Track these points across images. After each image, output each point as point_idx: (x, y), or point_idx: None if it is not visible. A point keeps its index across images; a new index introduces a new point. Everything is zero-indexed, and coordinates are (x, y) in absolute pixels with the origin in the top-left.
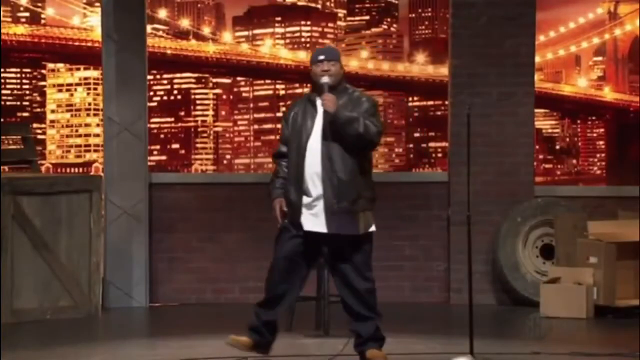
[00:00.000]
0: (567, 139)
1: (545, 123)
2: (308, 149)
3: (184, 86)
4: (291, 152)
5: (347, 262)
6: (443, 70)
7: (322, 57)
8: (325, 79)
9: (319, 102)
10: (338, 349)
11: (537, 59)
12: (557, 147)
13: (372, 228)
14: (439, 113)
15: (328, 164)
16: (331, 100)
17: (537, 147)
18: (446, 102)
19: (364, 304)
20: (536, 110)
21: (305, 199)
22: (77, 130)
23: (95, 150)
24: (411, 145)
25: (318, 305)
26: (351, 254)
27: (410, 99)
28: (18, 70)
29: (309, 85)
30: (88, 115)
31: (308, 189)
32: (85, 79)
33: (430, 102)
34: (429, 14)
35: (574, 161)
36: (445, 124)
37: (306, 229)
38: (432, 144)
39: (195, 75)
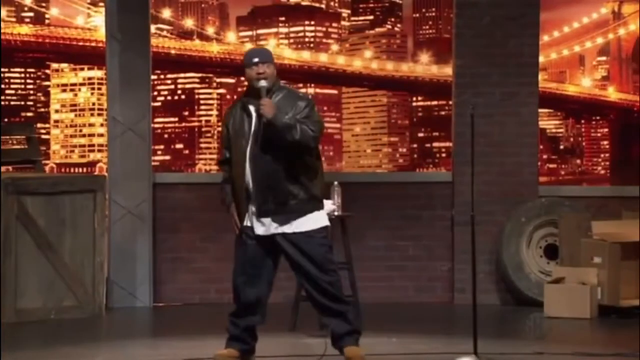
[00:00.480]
0: (571, 139)
1: (549, 123)
2: (248, 155)
3: (187, 86)
4: (234, 157)
5: (305, 259)
6: (447, 70)
7: (256, 60)
8: (262, 83)
9: (252, 107)
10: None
11: (541, 58)
12: (561, 147)
13: (322, 223)
14: (442, 113)
15: (265, 168)
16: (269, 105)
17: (541, 147)
18: (450, 102)
19: (330, 297)
20: (540, 110)
21: (252, 205)
22: (81, 130)
23: (99, 150)
24: (415, 145)
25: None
26: (307, 251)
27: (414, 99)
28: (22, 70)
29: (313, 84)
30: (92, 115)
31: (253, 195)
32: (89, 78)
33: (434, 102)
34: (433, 14)
35: (578, 161)
36: (449, 123)
37: (257, 234)
38: (435, 144)
39: (199, 75)
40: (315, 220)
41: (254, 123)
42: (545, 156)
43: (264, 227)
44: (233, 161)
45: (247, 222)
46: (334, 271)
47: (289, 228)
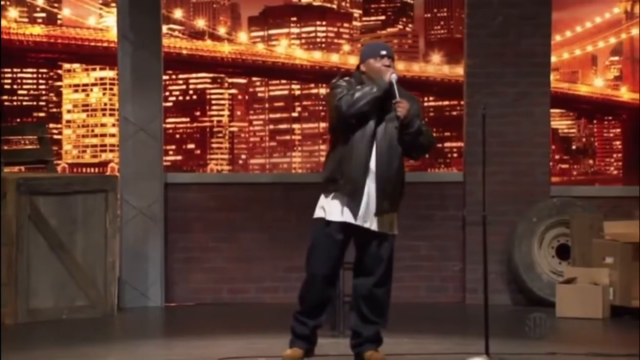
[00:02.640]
0: (584, 139)
1: (561, 123)
2: (374, 149)
3: (199, 86)
4: (355, 133)
5: (374, 260)
6: (459, 70)
7: (384, 53)
8: (394, 76)
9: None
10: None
11: (553, 58)
12: (574, 147)
13: (395, 231)
14: (454, 113)
15: (387, 166)
16: (405, 107)
17: (553, 147)
18: (462, 102)
19: (378, 303)
20: (552, 110)
21: (362, 200)
22: (93, 130)
23: (111, 150)
24: None
25: (334, 305)
26: (381, 253)
27: (425, 99)
28: (34, 70)
29: (324, 85)
30: (104, 115)
31: (370, 190)
32: (101, 79)
33: (446, 102)
34: (445, 14)
35: (590, 161)
36: (460, 124)
37: (345, 220)
38: (447, 144)
39: (211, 75)
40: (394, 225)
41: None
42: (557, 156)
43: (356, 215)
44: (354, 137)
45: (340, 217)
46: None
47: (381, 228)
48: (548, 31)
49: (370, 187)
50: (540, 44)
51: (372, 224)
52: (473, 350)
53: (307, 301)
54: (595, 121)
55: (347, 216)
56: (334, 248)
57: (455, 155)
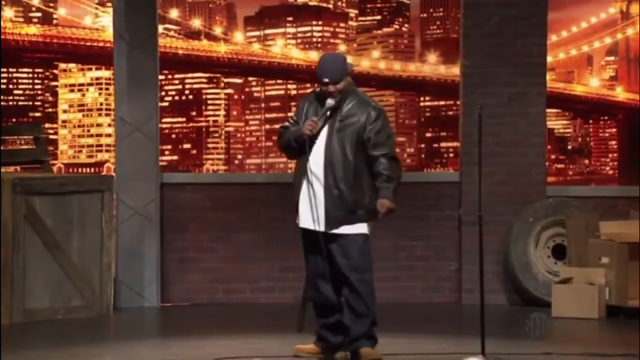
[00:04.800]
0: (579, 139)
1: (557, 123)
2: (312, 151)
3: (195, 86)
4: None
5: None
6: (455, 70)
7: (326, 80)
8: (329, 102)
9: (327, 101)
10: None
11: (549, 58)
12: (569, 147)
13: (355, 230)
14: (450, 113)
15: (330, 171)
16: (386, 206)
17: (549, 147)
18: (458, 102)
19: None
20: (548, 110)
21: (306, 199)
22: (88, 130)
23: (106, 150)
24: (423, 145)
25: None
26: (349, 253)
27: (421, 99)
28: (30, 70)
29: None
30: (100, 115)
31: (319, 199)
32: (97, 79)
33: (442, 102)
34: (441, 14)
35: (586, 161)
36: (456, 124)
37: (301, 225)
38: (443, 144)
39: (207, 75)
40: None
41: (327, 126)
42: (553, 156)
43: (313, 220)
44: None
45: (300, 223)
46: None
47: (336, 229)
48: (544, 31)
49: (318, 193)
50: (536, 44)
51: (322, 227)
52: (469, 350)
53: (312, 300)
54: (591, 121)
55: (303, 222)
56: (310, 249)
57: (451, 155)
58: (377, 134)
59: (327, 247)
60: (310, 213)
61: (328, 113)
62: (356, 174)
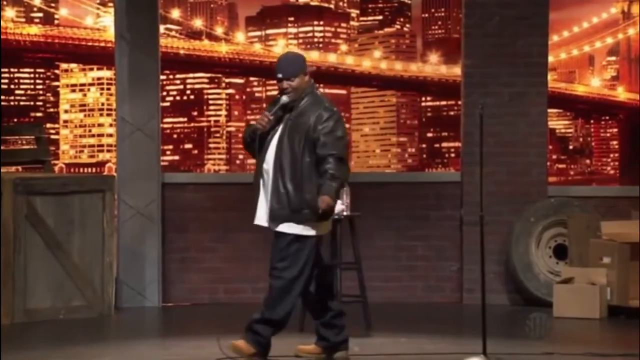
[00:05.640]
0: (581, 139)
1: (558, 123)
2: (273, 157)
3: (196, 86)
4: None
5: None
6: (456, 70)
7: (280, 76)
8: (284, 98)
9: (283, 98)
10: (351, 348)
11: (550, 58)
12: (570, 147)
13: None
14: (452, 113)
15: (279, 169)
16: (326, 202)
17: (550, 147)
18: (459, 102)
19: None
20: (549, 110)
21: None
22: (90, 130)
23: (108, 150)
24: (424, 145)
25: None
26: (276, 248)
27: (423, 99)
28: (32, 70)
29: (321, 85)
30: (101, 115)
31: (264, 186)
32: (99, 79)
33: (443, 102)
34: (442, 14)
35: (587, 161)
36: (458, 124)
37: (257, 223)
38: (444, 144)
39: (208, 75)
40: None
41: (282, 125)
42: (554, 156)
43: (264, 222)
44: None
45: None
46: (280, 277)
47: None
48: (545, 31)
49: (267, 191)
50: (537, 44)
51: (264, 222)
52: (470, 350)
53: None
54: (592, 121)
55: (258, 219)
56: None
57: (452, 155)
58: (327, 134)
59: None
60: (263, 210)
61: (285, 108)
62: (305, 173)
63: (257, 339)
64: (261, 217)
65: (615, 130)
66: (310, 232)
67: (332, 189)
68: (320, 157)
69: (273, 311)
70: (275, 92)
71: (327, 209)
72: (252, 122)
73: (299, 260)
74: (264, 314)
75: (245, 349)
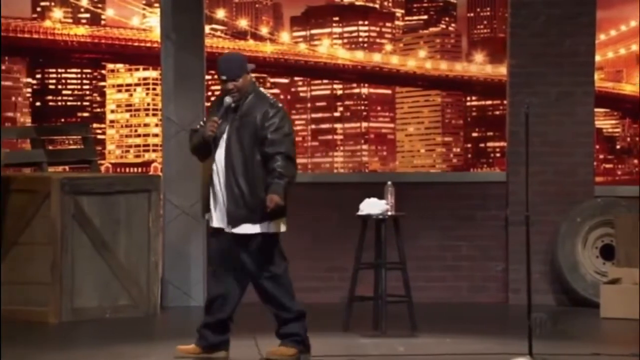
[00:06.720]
0: (628, 139)
1: (605, 123)
2: (223, 159)
3: None
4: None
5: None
6: (501, 70)
7: (223, 78)
8: (227, 99)
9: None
10: (396, 349)
11: (597, 57)
12: (618, 146)
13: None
14: (497, 113)
15: (230, 170)
16: (274, 201)
17: (597, 146)
18: (504, 102)
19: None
20: (596, 110)
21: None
22: (136, 130)
23: (154, 150)
24: (469, 145)
25: (375, 305)
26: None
27: (468, 98)
28: (78, 70)
29: (366, 84)
30: (147, 115)
31: (217, 189)
32: (144, 79)
33: (489, 102)
34: (488, 13)
35: (635, 161)
36: (503, 123)
37: (215, 226)
38: (490, 144)
39: (253, 75)
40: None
41: (227, 128)
42: (601, 156)
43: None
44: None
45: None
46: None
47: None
48: (592, 30)
49: (222, 192)
50: (584, 43)
51: (223, 225)
52: (516, 350)
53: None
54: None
55: (214, 221)
56: (217, 248)
57: (497, 155)
58: (273, 132)
59: (234, 247)
60: (219, 212)
61: (230, 109)
62: (257, 171)
63: (295, 339)
64: (214, 219)
65: None
66: (273, 229)
67: (280, 188)
68: (267, 155)
69: (294, 305)
70: (320, 92)
71: (276, 208)
72: (196, 128)
73: (274, 254)
74: (289, 314)
75: (287, 351)
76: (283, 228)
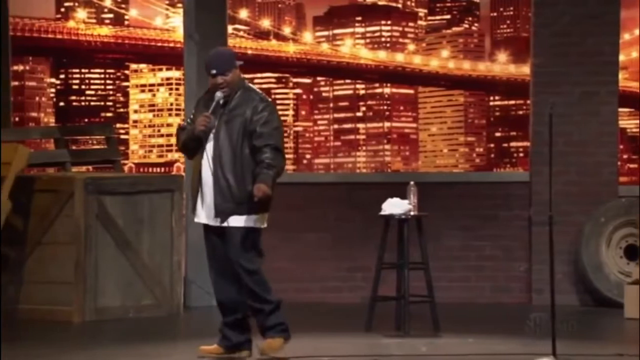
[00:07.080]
0: None
1: (629, 122)
2: (211, 153)
3: (264, 86)
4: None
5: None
6: (525, 70)
7: (213, 72)
8: (218, 94)
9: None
10: (419, 349)
11: (622, 57)
12: None
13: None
14: (520, 112)
15: (218, 164)
16: (262, 191)
17: (621, 146)
18: (528, 102)
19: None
20: (620, 110)
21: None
22: (159, 130)
23: (176, 150)
24: (492, 145)
25: (398, 305)
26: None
27: (491, 98)
28: (102, 71)
29: (389, 84)
30: (170, 115)
31: (202, 185)
32: (167, 79)
33: (512, 102)
34: (511, 13)
35: None
36: (526, 123)
37: (199, 221)
38: (513, 144)
39: (276, 75)
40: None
41: (216, 123)
42: (625, 156)
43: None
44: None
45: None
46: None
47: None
48: (616, 29)
49: (208, 187)
50: (608, 43)
51: (205, 220)
52: (540, 351)
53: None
54: None
55: (199, 217)
56: (209, 247)
57: (521, 154)
58: (262, 125)
59: (221, 240)
60: (206, 208)
61: (220, 104)
62: (245, 165)
63: (281, 327)
64: (201, 215)
65: None
66: (258, 224)
67: (268, 177)
68: (256, 147)
69: (273, 297)
70: (342, 92)
71: (263, 197)
72: (184, 125)
73: (255, 249)
74: (269, 305)
75: (275, 343)
76: (265, 224)
